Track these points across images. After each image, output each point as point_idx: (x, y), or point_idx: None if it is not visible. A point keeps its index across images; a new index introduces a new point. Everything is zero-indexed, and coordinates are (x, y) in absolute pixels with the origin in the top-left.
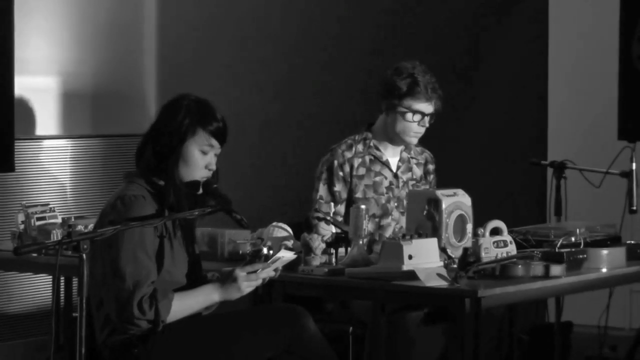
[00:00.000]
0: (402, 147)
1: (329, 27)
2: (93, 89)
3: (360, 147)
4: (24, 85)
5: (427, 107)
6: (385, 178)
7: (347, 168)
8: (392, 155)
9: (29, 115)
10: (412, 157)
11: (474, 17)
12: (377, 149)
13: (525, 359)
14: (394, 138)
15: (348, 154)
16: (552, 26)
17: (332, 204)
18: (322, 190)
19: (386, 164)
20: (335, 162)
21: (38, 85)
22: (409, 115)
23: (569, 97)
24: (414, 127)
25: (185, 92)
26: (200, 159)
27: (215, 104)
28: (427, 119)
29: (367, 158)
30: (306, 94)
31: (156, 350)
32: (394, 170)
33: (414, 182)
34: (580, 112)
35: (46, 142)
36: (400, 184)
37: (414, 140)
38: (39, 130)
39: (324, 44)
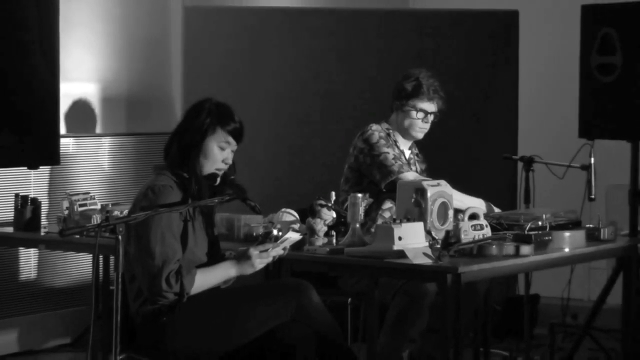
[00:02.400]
0: (409, 145)
1: (331, 44)
2: (127, 94)
3: (385, 132)
4: (68, 90)
5: (430, 106)
6: None
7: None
8: (405, 149)
9: (72, 116)
10: (416, 154)
11: (448, 30)
12: (396, 139)
13: (499, 326)
14: (404, 134)
15: (383, 132)
16: (522, 40)
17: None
18: (390, 150)
19: (403, 153)
20: (383, 133)
21: (80, 90)
22: (414, 113)
23: (537, 101)
24: (419, 123)
25: (208, 97)
26: (219, 154)
27: (234, 107)
28: (430, 116)
29: (391, 142)
30: (311, 100)
31: (181, 318)
32: (406, 160)
33: None
34: (546, 114)
35: (87, 140)
36: None
37: (420, 135)
38: (81, 129)
39: (326, 57)
